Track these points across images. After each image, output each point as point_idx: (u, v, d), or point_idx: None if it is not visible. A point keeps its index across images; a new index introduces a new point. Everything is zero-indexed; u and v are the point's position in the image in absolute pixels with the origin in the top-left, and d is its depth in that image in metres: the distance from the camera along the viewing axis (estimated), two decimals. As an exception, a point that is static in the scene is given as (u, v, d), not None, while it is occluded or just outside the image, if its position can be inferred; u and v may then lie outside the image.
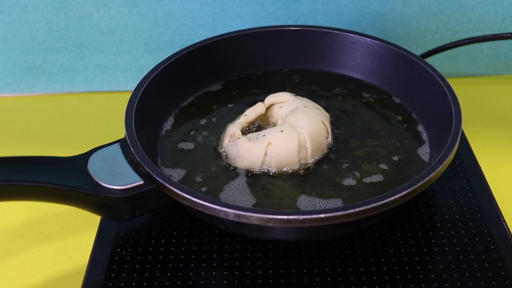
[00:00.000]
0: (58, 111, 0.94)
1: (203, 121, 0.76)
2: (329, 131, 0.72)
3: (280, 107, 0.74)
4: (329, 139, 0.72)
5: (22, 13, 0.91)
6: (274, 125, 0.73)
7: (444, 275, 0.62)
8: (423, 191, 0.62)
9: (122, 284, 0.62)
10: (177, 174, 0.69)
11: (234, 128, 0.71)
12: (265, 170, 0.69)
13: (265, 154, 0.69)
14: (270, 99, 0.75)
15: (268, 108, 0.75)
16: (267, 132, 0.70)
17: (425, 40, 0.94)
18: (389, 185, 0.67)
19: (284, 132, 0.69)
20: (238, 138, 0.70)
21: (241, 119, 0.73)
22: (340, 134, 0.74)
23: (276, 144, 0.68)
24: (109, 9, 0.91)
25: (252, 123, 0.73)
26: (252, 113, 0.73)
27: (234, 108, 0.78)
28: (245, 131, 0.72)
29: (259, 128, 0.73)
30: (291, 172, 0.69)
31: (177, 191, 0.61)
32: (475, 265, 0.63)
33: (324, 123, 0.71)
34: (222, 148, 0.72)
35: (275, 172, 0.69)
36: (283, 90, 0.79)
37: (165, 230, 0.68)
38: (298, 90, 0.80)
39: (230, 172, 0.69)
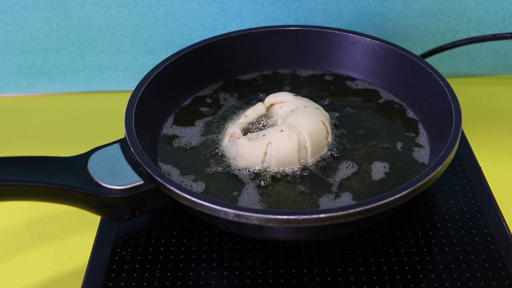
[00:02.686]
0: (58, 111, 0.94)
1: (203, 121, 0.76)
2: (329, 131, 0.72)
3: (280, 107, 0.74)
4: (329, 139, 0.72)
5: (22, 13, 0.91)
6: (274, 125, 0.73)
7: (444, 275, 0.62)
8: (423, 191, 0.62)
9: (122, 284, 0.62)
10: (177, 174, 0.69)
11: (234, 128, 0.71)
12: (265, 170, 0.69)
13: (265, 154, 0.69)
14: (270, 99, 0.75)
15: (268, 108, 0.75)
16: (267, 132, 0.70)
17: (425, 40, 0.94)
18: (389, 185, 0.67)
19: (284, 132, 0.69)
20: (238, 138, 0.70)
21: (241, 120, 0.73)
22: (340, 134, 0.74)
23: (276, 144, 0.68)
24: (109, 9, 0.91)
25: (252, 123, 0.73)
26: (252, 113, 0.73)
27: (234, 108, 0.78)
28: (245, 131, 0.72)
29: (259, 128, 0.73)
30: (291, 171, 0.69)
31: (177, 191, 0.61)
32: (475, 265, 0.63)
33: (324, 123, 0.71)
34: (222, 148, 0.72)
35: (275, 171, 0.69)
36: (283, 90, 0.79)
37: (165, 230, 0.68)
38: (298, 90, 0.80)
39: (229, 172, 0.69)
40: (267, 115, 0.74)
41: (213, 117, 0.77)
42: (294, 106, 0.72)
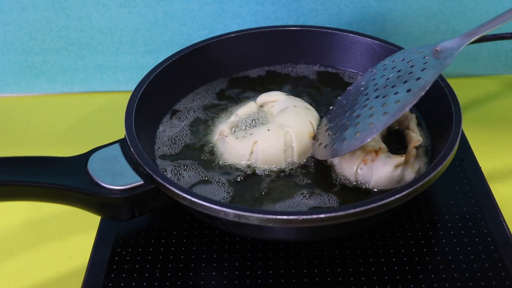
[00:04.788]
0: (58, 111, 0.94)
1: (202, 120, 0.76)
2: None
3: (272, 106, 0.74)
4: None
5: (22, 13, 0.91)
6: (265, 124, 0.73)
7: (444, 275, 0.62)
8: (423, 191, 0.62)
9: (122, 284, 0.62)
10: (175, 173, 0.69)
11: (223, 126, 0.72)
12: (252, 168, 0.69)
13: (251, 152, 0.69)
14: (262, 98, 0.75)
15: (260, 107, 0.75)
16: (255, 131, 0.70)
17: (425, 40, 0.94)
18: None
19: (271, 131, 0.69)
20: (226, 136, 0.70)
21: (232, 118, 0.73)
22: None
23: (262, 142, 0.69)
24: (109, 9, 0.91)
25: (243, 121, 0.73)
26: (243, 112, 0.74)
27: (233, 108, 0.78)
28: (235, 129, 0.72)
29: (250, 127, 0.73)
30: (278, 170, 0.69)
31: (176, 191, 0.61)
32: (475, 265, 0.63)
33: (312, 123, 0.71)
34: (212, 146, 0.72)
35: (262, 170, 0.69)
36: (283, 90, 0.79)
37: (165, 230, 0.68)
38: (298, 89, 0.80)
39: (219, 170, 0.69)
40: (258, 114, 0.74)
41: (212, 116, 0.77)
42: (284, 106, 0.73)
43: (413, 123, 0.71)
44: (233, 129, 0.72)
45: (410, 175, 0.66)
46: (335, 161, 0.69)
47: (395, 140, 0.72)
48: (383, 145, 0.69)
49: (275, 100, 0.74)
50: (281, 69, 0.84)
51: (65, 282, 0.68)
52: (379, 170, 0.66)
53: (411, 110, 0.73)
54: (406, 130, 0.70)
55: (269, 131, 0.69)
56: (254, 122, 0.73)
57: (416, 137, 0.68)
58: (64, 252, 0.71)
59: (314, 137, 0.71)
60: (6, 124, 0.93)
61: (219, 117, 0.76)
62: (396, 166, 0.65)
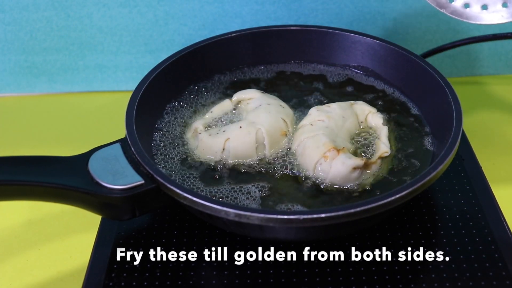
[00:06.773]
0: (58, 111, 0.94)
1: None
2: (290, 128, 0.72)
3: (247, 104, 0.74)
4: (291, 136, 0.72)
5: (23, 13, 0.91)
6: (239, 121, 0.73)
7: (444, 275, 0.62)
8: (423, 191, 0.62)
9: (122, 283, 0.62)
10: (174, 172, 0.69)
11: (197, 124, 0.72)
12: (225, 165, 0.69)
13: (223, 149, 0.69)
14: (238, 95, 0.75)
15: (236, 105, 0.75)
16: (227, 128, 0.71)
17: (425, 40, 0.94)
18: (390, 185, 0.67)
19: (243, 128, 0.70)
20: (200, 133, 0.70)
21: (207, 115, 0.74)
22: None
23: (233, 140, 0.69)
24: (109, 9, 0.91)
25: (217, 119, 0.73)
26: (218, 109, 0.75)
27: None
28: (209, 126, 0.72)
29: (224, 124, 0.73)
30: (250, 165, 0.69)
31: (177, 190, 0.61)
32: (475, 265, 0.63)
33: (284, 120, 0.71)
34: (185, 143, 0.72)
35: (232, 165, 0.69)
36: (284, 89, 0.79)
37: (165, 230, 0.68)
38: (298, 89, 0.80)
39: (195, 167, 0.69)
40: (233, 111, 0.75)
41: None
42: (258, 103, 0.73)
43: (383, 134, 0.71)
44: (207, 126, 0.72)
45: (368, 179, 0.67)
46: (298, 154, 0.69)
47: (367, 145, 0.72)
48: (348, 145, 0.69)
49: (250, 98, 0.75)
50: (280, 69, 0.84)
51: (66, 282, 0.68)
52: (337, 168, 0.66)
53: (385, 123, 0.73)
54: (377, 140, 0.71)
55: (241, 128, 0.70)
56: (228, 119, 0.74)
57: (384, 148, 0.69)
58: (65, 251, 0.71)
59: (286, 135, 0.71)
60: (6, 124, 0.93)
61: (195, 114, 0.76)
62: (354, 168, 0.66)
